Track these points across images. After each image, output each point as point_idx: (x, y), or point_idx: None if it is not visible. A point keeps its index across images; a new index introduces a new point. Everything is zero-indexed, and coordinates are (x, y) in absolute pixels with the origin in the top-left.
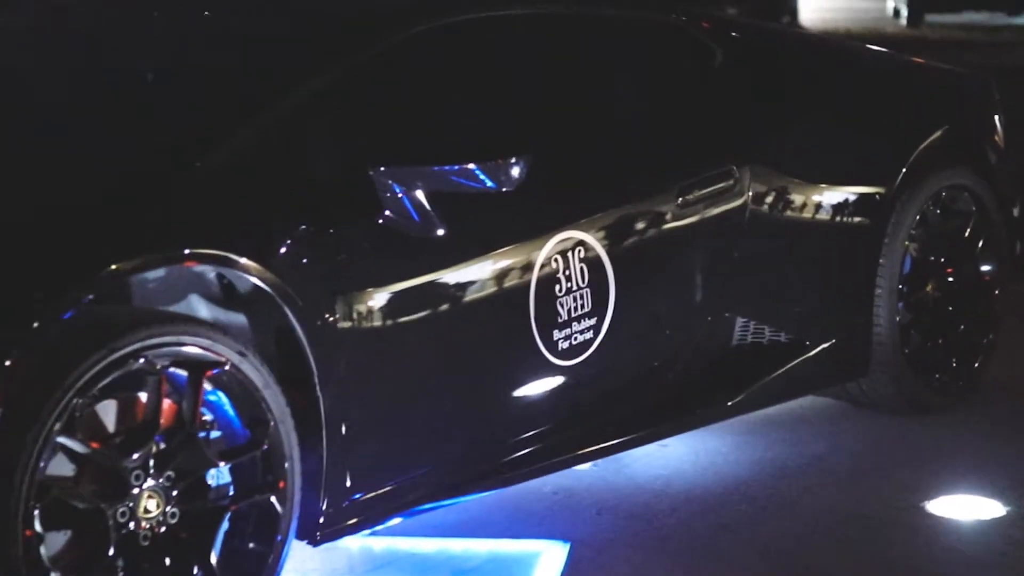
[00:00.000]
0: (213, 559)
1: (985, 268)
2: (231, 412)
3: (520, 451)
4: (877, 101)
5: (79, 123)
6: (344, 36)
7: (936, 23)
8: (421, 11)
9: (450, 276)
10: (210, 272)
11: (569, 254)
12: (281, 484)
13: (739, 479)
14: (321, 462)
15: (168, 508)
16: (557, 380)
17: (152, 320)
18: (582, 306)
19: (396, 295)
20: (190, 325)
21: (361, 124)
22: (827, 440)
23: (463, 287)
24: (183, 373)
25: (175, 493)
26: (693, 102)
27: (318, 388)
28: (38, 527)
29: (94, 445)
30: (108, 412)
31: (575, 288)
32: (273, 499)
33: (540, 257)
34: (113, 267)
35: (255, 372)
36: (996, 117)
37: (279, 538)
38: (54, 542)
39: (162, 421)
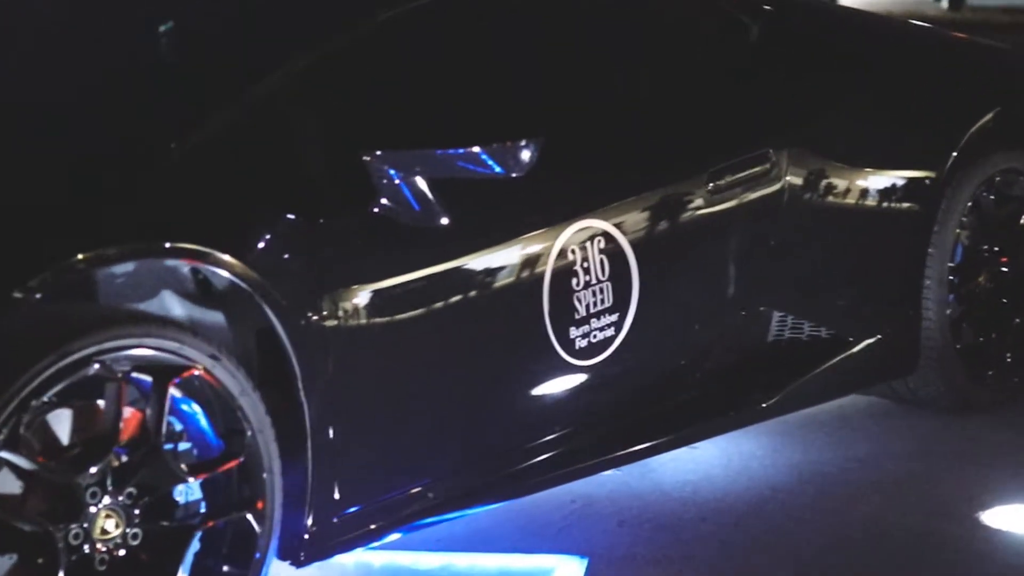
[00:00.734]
0: None
1: None
2: (203, 421)
3: (533, 459)
4: (925, 80)
5: (43, 106)
6: (332, 9)
7: (979, 6)
8: None
9: (454, 270)
10: (184, 267)
11: (587, 245)
12: (260, 501)
13: (774, 486)
14: (306, 474)
15: (129, 528)
16: (574, 381)
17: (110, 320)
18: (602, 301)
19: (392, 291)
20: (154, 326)
21: (354, 105)
22: (871, 443)
23: (468, 282)
24: (148, 379)
25: (137, 512)
26: (725, 80)
27: (302, 393)
28: None
29: (42, 460)
30: (61, 422)
31: (594, 281)
32: (250, 516)
33: (555, 248)
34: (74, 259)
35: (230, 377)
36: None
37: (257, 558)
38: None
39: (124, 432)
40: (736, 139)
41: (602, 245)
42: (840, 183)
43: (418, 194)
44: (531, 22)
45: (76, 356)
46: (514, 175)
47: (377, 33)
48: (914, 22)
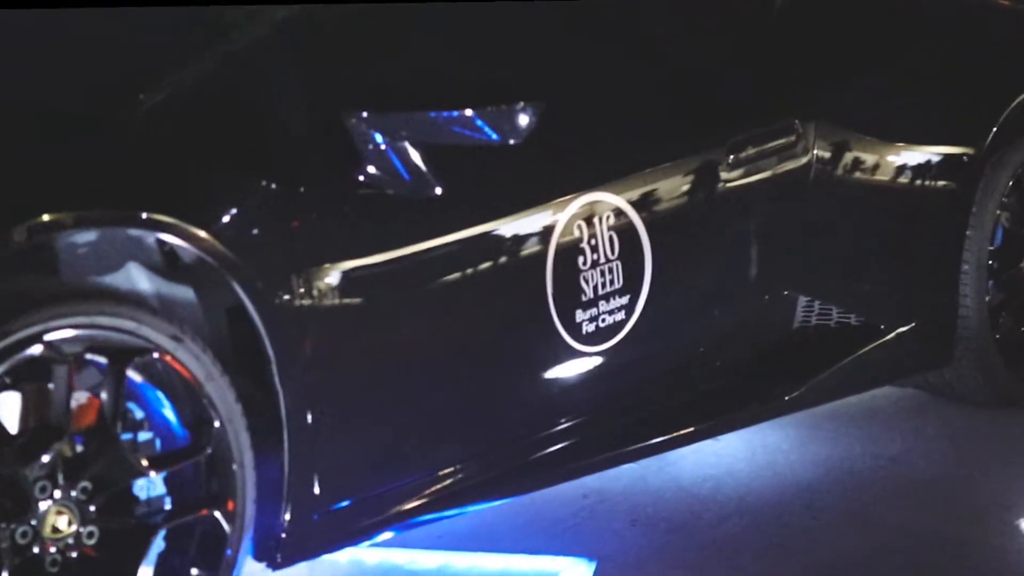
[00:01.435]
0: None
1: None
2: (167, 410)
3: (540, 452)
4: (963, 48)
5: None
6: None
7: None
8: None
9: (446, 246)
10: (149, 237)
11: (595, 220)
12: (230, 497)
13: (800, 484)
14: (282, 468)
15: (83, 527)
16: (582, 369)
17: (56, 296)
18: (611, 282)
19: (378, 267)
20: (107, 303)
21: (337, 61)
22: (903, 439)
23: (462, 259)
24: (104, 361)
25: (92, 508)
26: (748, 44)
27: (277, 378)
28: None
29: None
30: (5, 408)
31: (603, 261)
32: (219, 514)
33: (559, 224)
34: (25, 226)
35: (195, 361)
36: None
37: (228, 558)
38: None
39: (78, 420)
40: (760, 108)
41: (611, 221)
42: (871, 159)
43: (407, 161)
44: None
45: (17, 336)
46: (511, 142)
47: None
48: None
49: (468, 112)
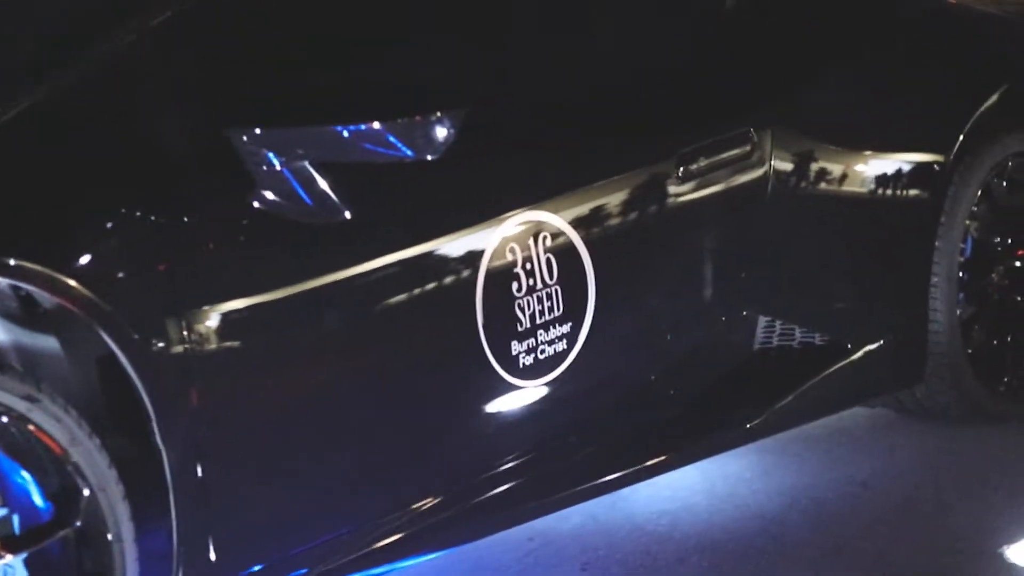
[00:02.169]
0: None
1: None
2: (27, 481)
3: (478, 497)
4: (928, 51)
5: None
6: None
7: None
8: None
9: (358, 277)
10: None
11: (531, 242)
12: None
13: (764, 516)
14: (171, 537)
15: None
16: (520, 405)
17: None
18: (550, 309)
19: (278, 305)
20: None
21: (223, 70)
22: (874, 462)
23: (376, 291)
24: None
25: None
26: (698, 45)
27: (159, 436)
28: None
29: None
30: None
31: (540, 286)
32: None
33: (489, 247)
34: None
35: (55, 423)
36: None
37: None
38: None
39: None
40: (711, 115)
41: (549, 242)
42: (832, 168)
43: (308, 184)
44: None
45: None
46: (429, 157)
47: None
48: None
49: (376, 125)
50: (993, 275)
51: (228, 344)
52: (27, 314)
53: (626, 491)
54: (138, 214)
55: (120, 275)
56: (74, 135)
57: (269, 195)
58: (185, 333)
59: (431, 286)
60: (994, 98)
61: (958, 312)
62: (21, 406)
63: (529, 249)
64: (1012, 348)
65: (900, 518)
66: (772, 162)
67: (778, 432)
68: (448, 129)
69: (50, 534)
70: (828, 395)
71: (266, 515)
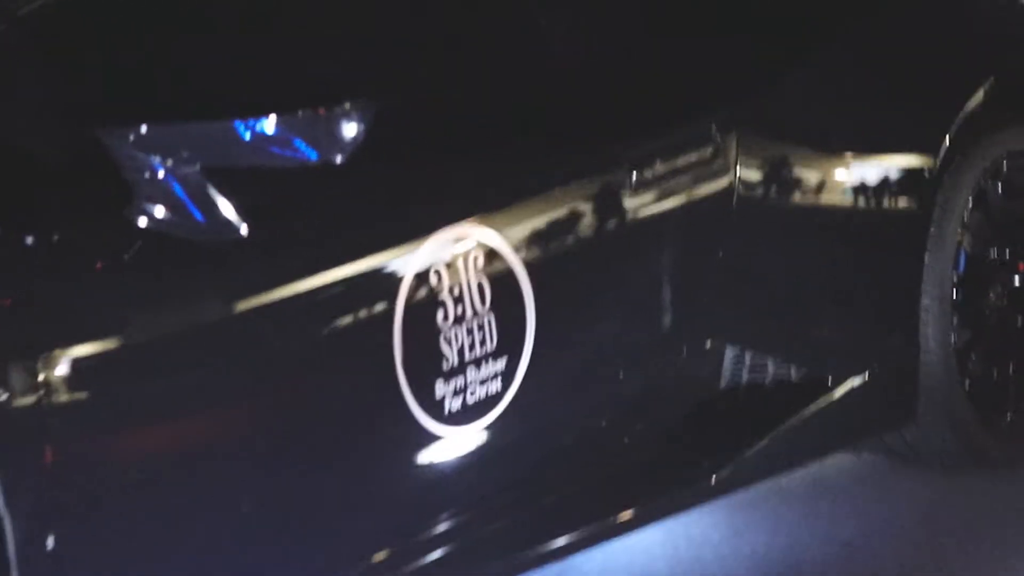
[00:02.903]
0: None
1: None
2: None
3: (398, 569)
4: (912, 41)
5: None
6: None
7: None
8: None
9: (255, 308)
10: None
11: (459, 263)
12: None
13: None
14: None
15: None
16: (445, 458)
17: None
18: (482, 342)
19: (159, 343)
20: None
21: (89, 59)
22: (859, 518)
23: (276, 324)
24: None
25: None
26: (651, 35)
27: (1, 502)
28: None
29: None
30: None
31: (470, 315)
32: None
33: (410, 270)
34: None
35: None
36: None
37: None
38: None
39: None
40: (666, 113)
41: (481, 263)
42: (807, 175)
43: (196, 193)
44: None
45: None
46: (336, 160)
47: None
48: None
49: (269, 120)
50: (991, 294)
51: (92, 392)
52: None
53: (576, 559)
54: None
55: None
56: None
57: (148, 207)
58: (39, 378)
59: (340, 317)
60: (984, 89)
61: (952, 338)
62: None
63: (458, 272)
64: (1015, 380)
65: None
66: (738, 168)
67: (749, 485)
68: (358, 125)
69: None
70: (806, 440)
71: None
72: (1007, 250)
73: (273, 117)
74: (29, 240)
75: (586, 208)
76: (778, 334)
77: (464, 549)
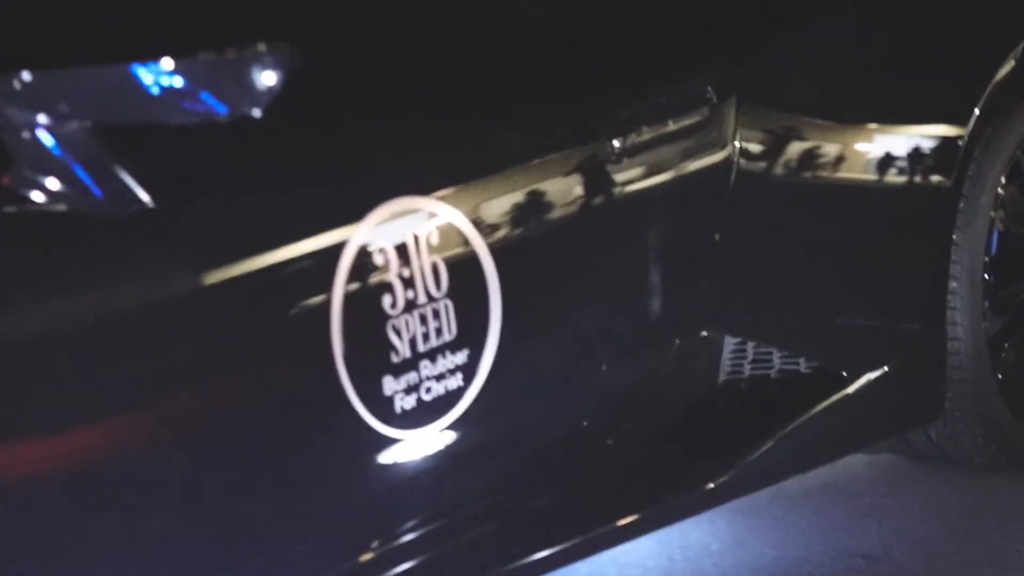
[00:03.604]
0: None
1: None
2: None
3: None
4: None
5: None
6: None
7: None
8: None
9: (163, 297)
10: None
11: (409, 239)
12: None
13: None
14: None
15: None
16: (398, 467)
17: None
18: (439, 331)
19: (44, 331)
20: None
21: None
22: (879, 527)
23: (189, 314)
24: None
25: None
26: None
27: None
28: None
29: None
30: None
31: (423, 300)
32: None
33: (350, 248)
34: None
35: None
36: None
37: None
38: None
39: None
40: (655, 72)
41: (436, 239)
42: (818, 146)
43: (87, 157)
44: None
45: None
46: (252, 113)
47: None
48: None
49: (165, 62)
50: None
51: None
52: None
53: (559, 572)
54: None
55: None
56: None
57: (28, 174)
58: None
59: (265, 304)
60: (1017, 54)
61: (984, 326)
62: None
63: (407, 249)
64: None
65: None
66: (737, 139)
67: (753, 491)
68: (276, 72)
69: None
70: (818, 440)
71: None
72: None
73: (170, 62)
74: None
75: (560, 179)
76: (785, 321)
77: (421, 571)
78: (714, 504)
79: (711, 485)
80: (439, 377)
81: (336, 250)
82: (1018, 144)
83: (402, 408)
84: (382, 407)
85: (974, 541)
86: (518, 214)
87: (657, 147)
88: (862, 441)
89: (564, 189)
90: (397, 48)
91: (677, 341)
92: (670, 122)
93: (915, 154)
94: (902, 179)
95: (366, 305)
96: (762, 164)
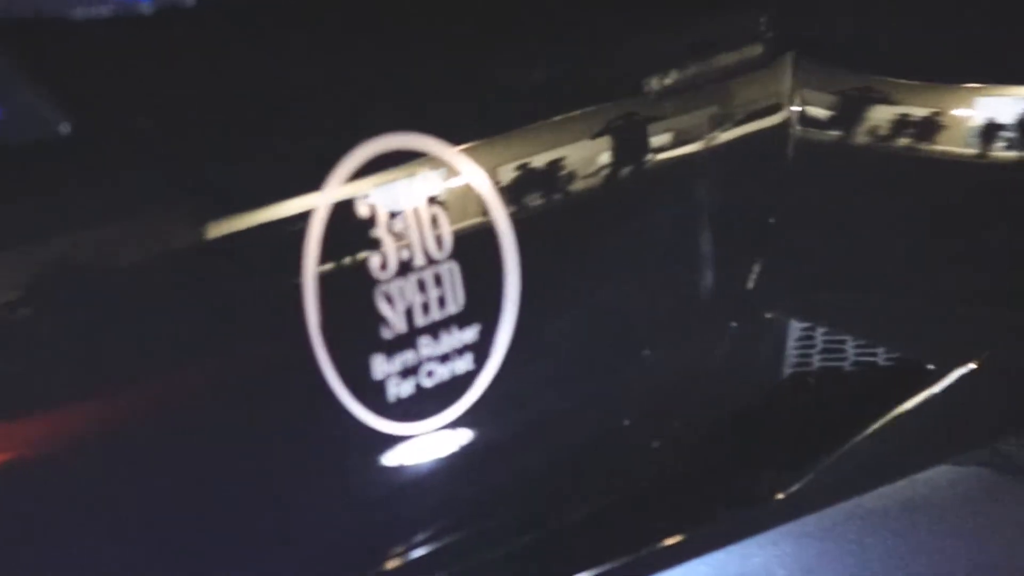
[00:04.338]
0: None
1: None
2: None
3: None
4: None
5: None
6: None
7: None
8: None
9: (85, 241)
10: None
11: (403, 189)
12: None
13: None
14: None
15: None
16: (393, 468)
17: None
18: (442, 301)
19: None
20: None
21: None
22: (971, 552)
23: (125, 266)
24: None
25: None
26: None
27: None
28: None
29: None
30: None
31: (420, 263)
32: None
33: (327, 196)
34: None
35: None
36: None
37: None
38: None
39: None
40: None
41: (437, 188)
42: (893, 106)
43: None
44: None
45: None
46: (186, 7)
47: None
48: None
49: None
50: None
51: None
52: None
53: None
54: None
55: None
56: None
57: None
58: None
59: (216, 262)
60: None
61: None
62: None
63: (399, 200)
64: None
65: None
66: (796, 100)
67: (824, 507)
68: None
69: None
70: (899, 447)
71: None
72: None
73: None
74: None
75: (589, 119)
76: (860, 305)
77: None
78: (779, 522)
79: (779, 496)
80: (443, 358)
81: (307, 194)
82: None
83: (397, 396)
84: (371, 394)
85: None
86: (536, 157)
87: (703, 94)
88: (949, 450)
89: (593, 132)
90: None
91: (733, 324)
92: (714, 63)
93: (1010, 115)
94: (996, 145)
95: (347, 267)
96: (827, 125)
